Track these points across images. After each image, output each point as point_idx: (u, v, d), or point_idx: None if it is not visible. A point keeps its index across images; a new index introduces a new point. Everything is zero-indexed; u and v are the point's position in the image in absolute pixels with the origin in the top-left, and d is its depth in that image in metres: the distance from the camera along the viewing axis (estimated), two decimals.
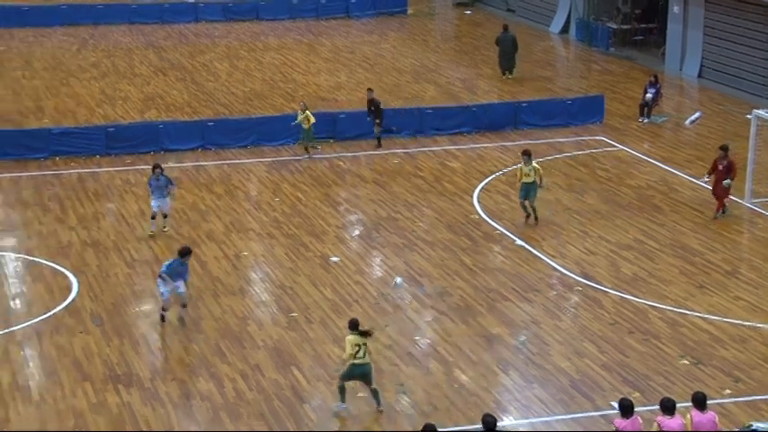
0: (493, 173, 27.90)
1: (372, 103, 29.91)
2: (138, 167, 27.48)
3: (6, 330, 19.31)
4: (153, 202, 23.34)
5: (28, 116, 31.58)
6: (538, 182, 23.84)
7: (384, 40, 42.78)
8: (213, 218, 24.66)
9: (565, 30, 43.70)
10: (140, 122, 30.55)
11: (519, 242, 23.63)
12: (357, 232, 24.55)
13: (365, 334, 16.42)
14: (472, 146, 30.22)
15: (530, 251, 23.18)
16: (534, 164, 23.85)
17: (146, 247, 22.84)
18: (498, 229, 24.00)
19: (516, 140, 30.61)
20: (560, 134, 31.30)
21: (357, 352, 16.32)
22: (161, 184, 23.03)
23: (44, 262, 22.15)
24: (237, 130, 29.89)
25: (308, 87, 35.32)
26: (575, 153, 29.80)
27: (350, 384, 16.77)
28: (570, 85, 36.78)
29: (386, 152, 29.40)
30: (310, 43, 41.81)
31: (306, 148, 28.74)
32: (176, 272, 19.42)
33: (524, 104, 32.55)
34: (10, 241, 23.39)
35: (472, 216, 24.57)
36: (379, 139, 29.74)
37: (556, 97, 34.24)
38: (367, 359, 16.49)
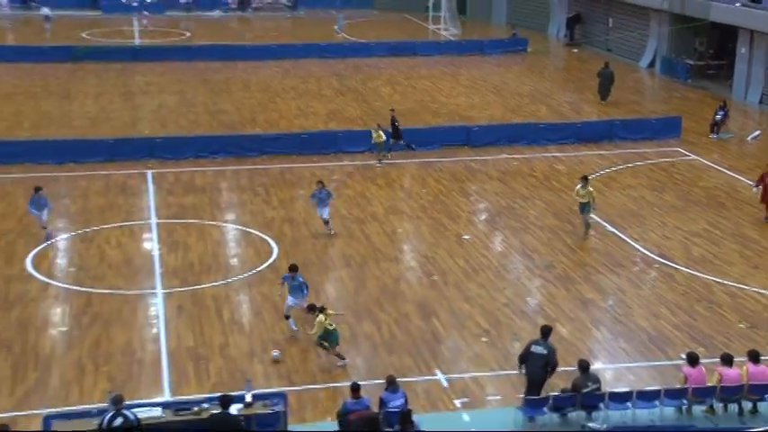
0: (590, 175, 27.20)
1: (394, 121, 29.14)
2: (322, 165, 27.85)
3: (228, 280, 19.86)
4: (318, 212, 22.17)
5: (245, 125, 32.34)
6: (591, 203, 22.19)
7: (509, 72, 42.22)
8: (376, 203, 24.83)
9: (651, 65, 42.44)
10: (324, 131, 30.94)
11: (610, 228, 23.06)
12: (484, 217, 24.36)
13: (326, 312, 15.98)
14: (575, 154, 29.59)
15: (618, 236, 22.60)
16: (590, 188, 22.05)
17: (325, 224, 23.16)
18: (593, 218, 23.47)
19: (611, 150, 29.86)
20: (646, 146, 30.37)
21: (329, 325, 15.90)
22: (323, 196, 22.06)
23: (254, 232, 22.65)
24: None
25: (449, 107, 35.15)
26: (657, 161, 28.90)
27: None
28: (655, 108, 35.62)
29: (507, 157, 29.06)
30: (452, 73, 41.58)
31: (379, 159, 28.23)
32: (291, 287, 17.28)
33: (617, 122, 31.68)
34: (231, 216, 24.04)
35: (573, 207, 24.07)
36: (409, 146, 28.85)
37: (643, 117, 33.24)
38: (335, 327, 16.06)
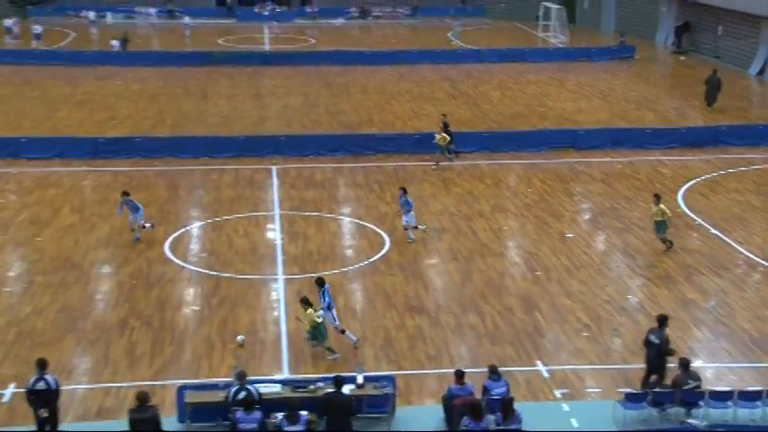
0: (695, 178, 26.29)
1: (446, 126, 28.33)
2: (433, 164, 27.80)
3: (343, 269, 20.08)
4: (404, 218, 21.36)
5: (362, 125, 32.59)
6: (667, 221, 20.77)
7: (615, 78, 41.10)
8: (483, 201, 24.63)
9: (761, 72, 40.47)
10: (436, 132, 30.79)
11: (713, 231, 22.16)
12: (587, 216, 23.82)
13: (311, 305, 15.67)
14: (680, 158, 28.56)
15: (722, 238, 21.69)
16: (661, 206, 20.73)
17: (434, 219, 23.10)
18: (697, 220, 22.62)
19: (716, 155, 28.67)
20: (752, 151, 29.00)
21: (318, 318, 15.61)
22: (401, 203, 21.46)
23: (368, 225, 22.81)
24: (504, 139, 29.70)
25: (556, 111, 34.50)
26: (763, 166, 27.57)
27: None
28: (762, 114, 33.98)
29: (612, 160, 28.32)
30: (560, 79, 40.79)
31: (436, 162, 27.57)
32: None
33: (724, 128, 30.39)
34: (347, 209, 24.30)
35: (677, 209, 23.27)
36: (455, 153, 27.92)
37: (750, 123, 31.78)
38: (323, 321, 15.69)
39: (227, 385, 13.37)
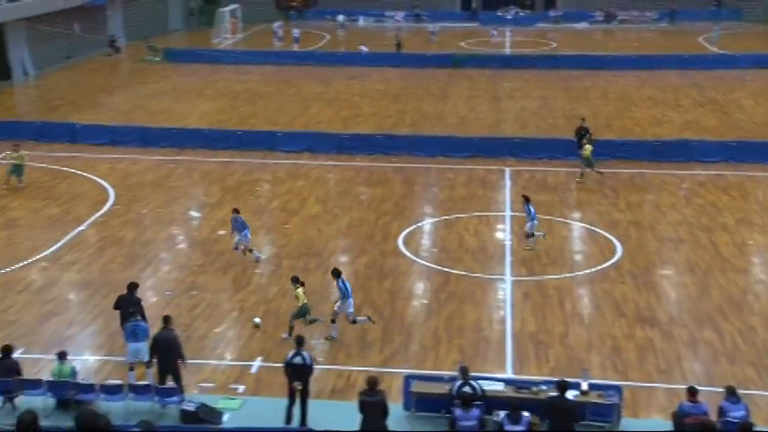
0: None
1: (584, 131, 26.31)
2: (672, 172, 26.34)
3: (571, 274, 19.51)
4: (527, 225, 20.73)
5: (600, 130, 31.48)
6: None
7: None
8: (727, 213, 22.99)
9: None
10: (678, 139, 29.19)
11: None
12: None
13: (301, 284, 16.15)
14: None
15: None
16: None
17: (670, 230, 21.87)
18: None
19: None
20: None
21: (302, 297, 15.97)
22: (525, 210, 20.75)
23: (599, 231, 22.12)
24: (754, 149, 27.51)
25: None
26: None
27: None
28: None
29: None
30: None
31: (582, 173, 25.76)
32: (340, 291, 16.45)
33: None
34: (578, 214, 23.67)
35: None
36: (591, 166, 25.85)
37: None
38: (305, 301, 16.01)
39: (452, 379, 13.50)
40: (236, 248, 19.89)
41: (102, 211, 23.34)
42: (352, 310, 16.42)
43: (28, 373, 14.15)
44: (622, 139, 29.32)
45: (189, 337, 15.96)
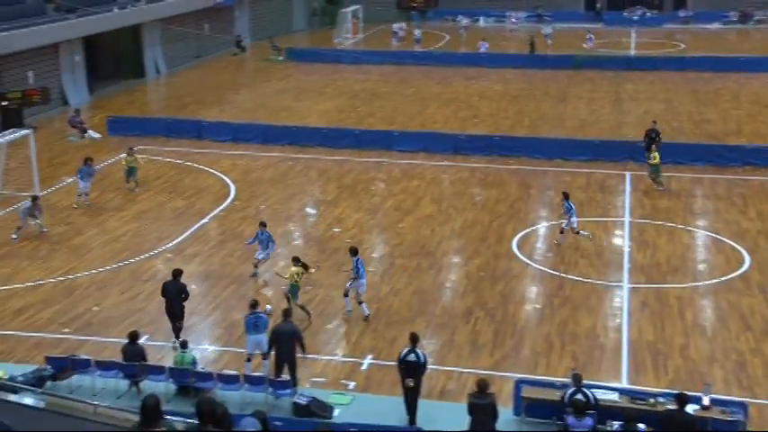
0: None
1: (654, 134, 25.03)
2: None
3: (693, 284, 18.89)
4: (564, 222, 20.75)
5: (729, 135, 30.30)
6: None
7: None
8: None
9: None
10: None
11: None
12: None
13: (305, 266, 16.98)
14: None
15: None
16: None
17: None
18: None
19: None
20: None
21: (300, 275, 16.78)
22: (566, 207, 20.60)
23: (725, 240, 21.21)
24: None
25: None
26: None
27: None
28: None
29: None
30: None
31: (654, 180, 24.48)
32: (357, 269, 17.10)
33: None
34: (703, 222, 22.74)
35: None
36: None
37: None
38: (300, 282, 16.82)
39: (564, 386, 13.25)
40: (256, 267, 18.98)
41: (223, 206, 24.15)
42: (363, 290, 17.09)
43: (152, 360, 14.82)
44: (754, 145, 27.97)
45: (299, 330, 16.28)
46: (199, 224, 22.69)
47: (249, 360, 14.92)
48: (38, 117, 32.80)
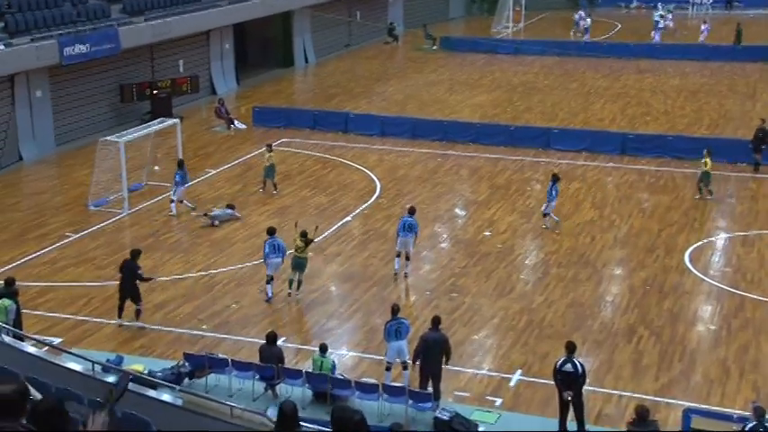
0: None
1: (760, 132, 23.64)
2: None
3: None
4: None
5: None
6: None
7: None
8: None
9: None
10: None
11: None
12: None
13: (308, 241, 18.40)
14: None
15: None
16: None
17: None
18: None
19: None
20: None
21: (297, 248, 18.28)
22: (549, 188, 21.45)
23: None
24: None
25: None
26: None
27: None
28: None
29: None
30: None
31: (701, 188, 23.03)
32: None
33: None
34: None
35: None
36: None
37: None
38: (303, 255, 18.31)
39: (742, 419, 12.56)
40: (269, 285, 18.59)
41: (367, 203, 24.52)
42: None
43: (289, 363, 15.22)
44: None
45: (449, 339, 16.28)
46: (342, 222, 23.15)
47: (389, 369, 15.03)
48: (186, 106, 34.53)
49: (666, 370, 15.68)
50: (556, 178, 22.16)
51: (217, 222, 22.85)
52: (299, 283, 18.59)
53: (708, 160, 23.86)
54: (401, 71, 42.96)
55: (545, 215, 22.13)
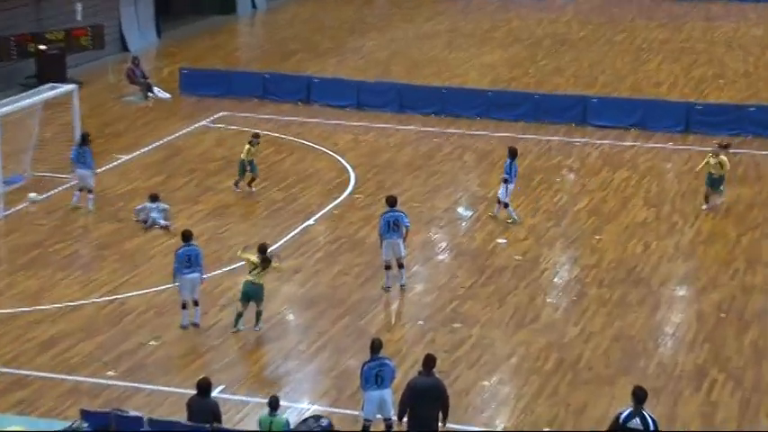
0: None
1: None
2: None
3: None
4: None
5: None
6: None
7: None
8: None
9: None
10: None
11: None
12: None
13: (266, 259, 18.13)
14: None
15: None
16: None
17: None
18: None
19: None
20: None
21: (252, 269, 18.08)
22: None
23: None
24: None
25: None
26: None
27: None
28: None
29: None
30: None
31: (710, 193, 23.23)
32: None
33: None
34: None
35: None
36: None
37: None
38: (259, 280, 18.10)
39: None
40: (184, 310, 18.77)
41: (337, 201, 24.43)
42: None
43: (228, 421, 15.04)
44: None
45: (447, 388, 16.18)
46: (302, 226, 23.03)
47: (366, 428, 14.93)
48: (86, 68, 34.30)
49: (750, 426, 15.69)
50: (513, 153, 22.78)
51: (149, 224, 22.67)
52: (258, 314, 18.39)
53: (724, 158, 23.76)
54: (384, 20, 42.96)
55: (503, 204, 22.67)
